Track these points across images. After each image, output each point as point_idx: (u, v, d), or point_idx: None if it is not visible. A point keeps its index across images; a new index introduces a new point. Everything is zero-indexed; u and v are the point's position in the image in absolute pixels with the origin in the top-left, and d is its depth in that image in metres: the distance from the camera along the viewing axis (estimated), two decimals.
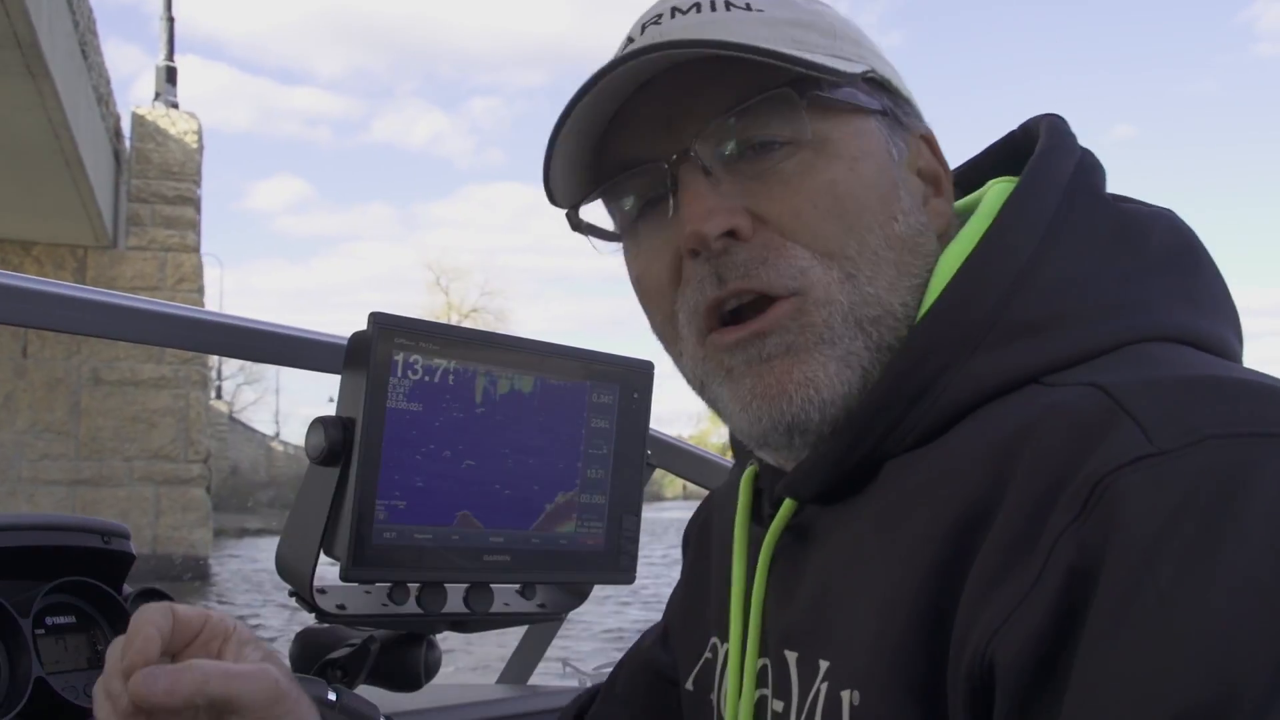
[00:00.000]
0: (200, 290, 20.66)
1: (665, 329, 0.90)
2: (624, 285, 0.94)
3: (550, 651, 1.94)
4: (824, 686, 0.79)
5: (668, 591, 1.25)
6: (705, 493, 1.39)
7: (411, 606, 1.25)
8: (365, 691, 1.27)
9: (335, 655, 1.28)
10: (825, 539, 0.85)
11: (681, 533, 1.25)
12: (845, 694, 0.77)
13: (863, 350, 0.82)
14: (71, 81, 15.24)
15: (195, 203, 20.81)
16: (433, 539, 1.19)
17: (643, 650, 1.22)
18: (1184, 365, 0.74)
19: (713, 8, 0.86)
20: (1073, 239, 0.82)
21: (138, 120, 20.63)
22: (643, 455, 1.36)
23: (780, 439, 0.85)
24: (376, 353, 1.14)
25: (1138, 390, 0.70)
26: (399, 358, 1.16)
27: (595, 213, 0.94)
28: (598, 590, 1.50)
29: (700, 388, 0.90)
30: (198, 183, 20.93)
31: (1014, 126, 0.96)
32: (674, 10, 0.87)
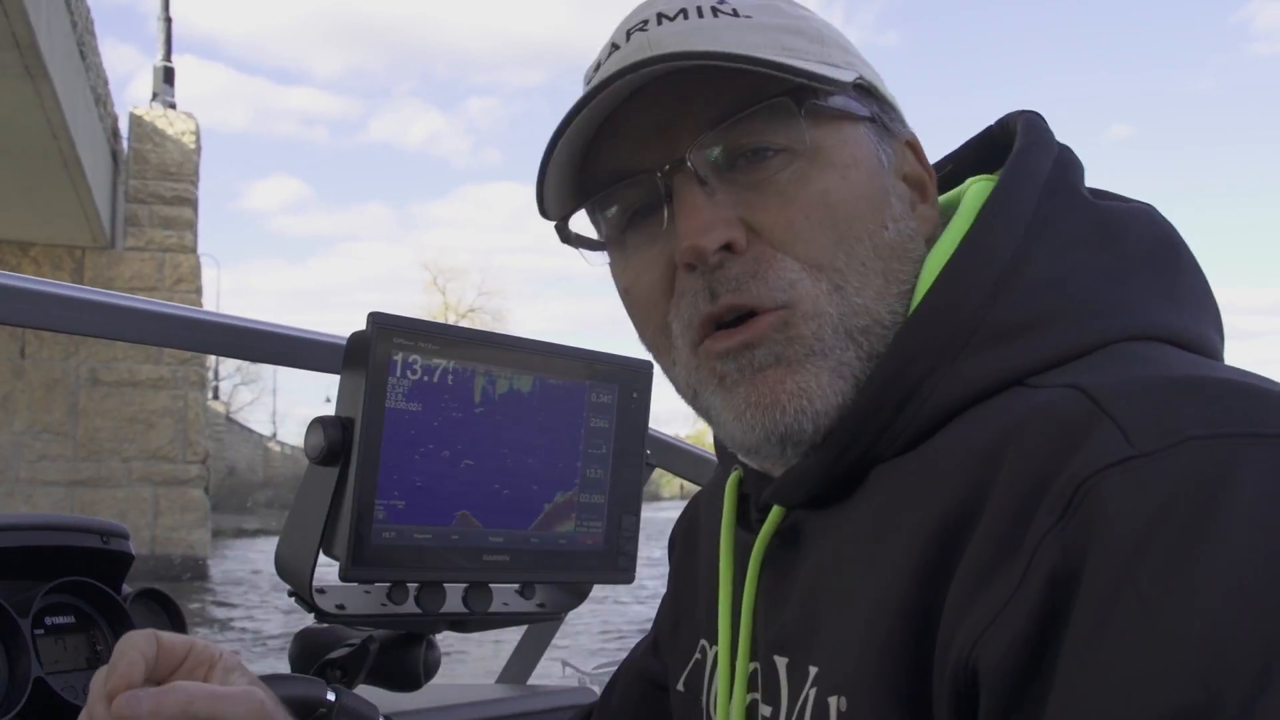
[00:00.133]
0: (198, 291, 20.67)
1: (657, 339, 0.89)
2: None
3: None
4: (812, 692, 0.79)
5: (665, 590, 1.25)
6: None
7: (411, 606, 1.25)
8: (364, 691, 1.27)
9: (334, 655, 1.28)
10: (814, 544, 0.85)
11: None
12: (833, 700, 0.77)
13: (854, 360, 0.82)
14: (70, 82, 15.24)
15: (193, 203, 20.81)
16: (432, 539, 1.19)
17: (635, 661, 1.22)
18: (1165, 365, 0.74)
19: (700, 14, 0.85)
20: (1052, 239, 0.82)
21: (135, 121, 20.63)
22: (642, 455, 1.37)
23: (773, 449, 0.85)
24: (375, 352, 1.14)
25: (1118, 391, 0.69)
26: (398, 357, 1.16)
27: (579, 222, 0.92)
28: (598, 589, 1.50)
29: (692, 396, 0.89)
30: (195, 183, 20.94)
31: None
32: (660, 16, 0.86)
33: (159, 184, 20.47)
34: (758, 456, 0.89)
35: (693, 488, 1.70)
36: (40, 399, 19.66)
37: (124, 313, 1.28)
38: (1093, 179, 0.88)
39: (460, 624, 1.32)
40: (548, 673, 1.98)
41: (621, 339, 0.95)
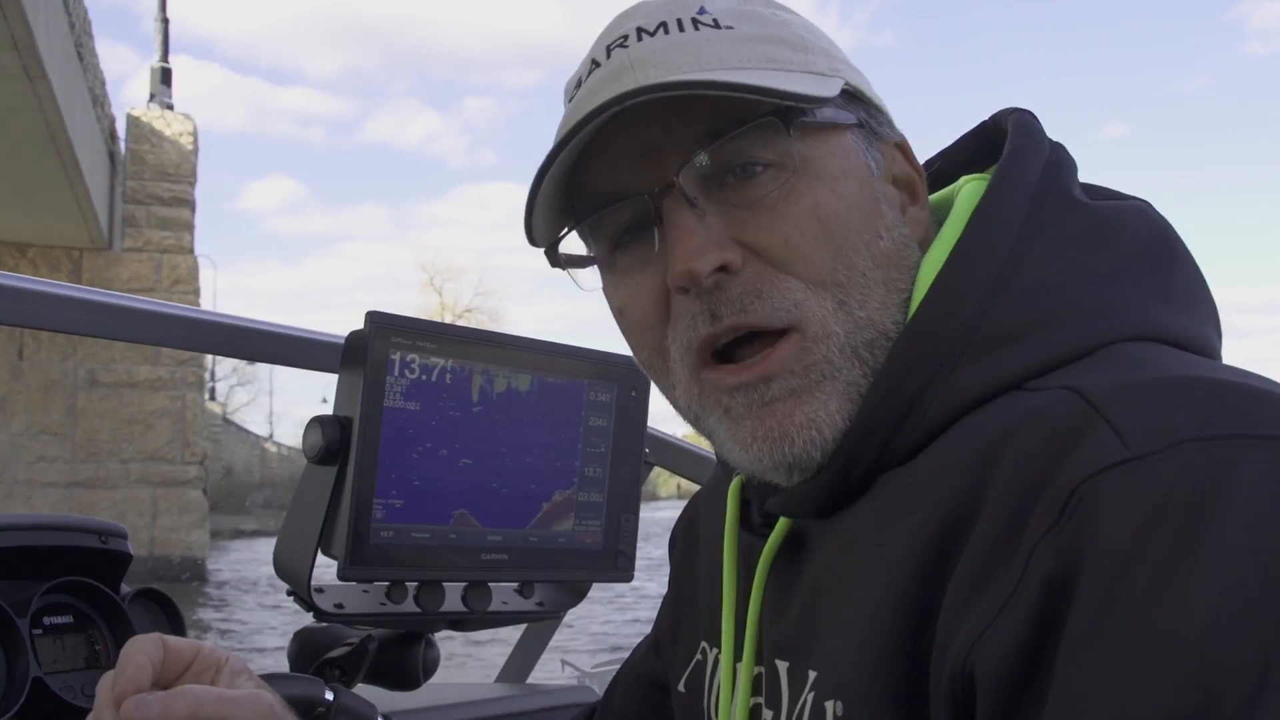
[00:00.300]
0: (196, 291, 20.67)
1: (654, 362, 0.88)
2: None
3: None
4: (810, 697, 0.79)
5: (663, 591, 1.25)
6: None
7: (409, 605, 1.25)
8: (364, 690, 1.27)
9: (333, 654, 1.28)
10: (816, 550, 0.85)
11: None
12: (830, 704, 0.77)
13: (860, 379, 0.81)
14: (68, 83, 15.23)
15: (191, 204, 20.82)
16: (430, 538, 1.19)
17: (635, 663, 1.22)
18: (1161, 366, 0.73)
19: (680, 28, 0.83)
20: (1046, 241, 0.81)
21: (133, 122, 20.62)
22: (640, 453, 1.37)
23: (780, 476, 0.84)
24: (373, 352, 1.14)
25: (1114, 393, 0.69)
26: (396, 356, 1.16)
27: (568, 241, 0.91)
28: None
29: (695, 420, 0.88)
30: (193, 184, 20.94)
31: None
32: (640, 31, 0.84)
33: (157, 185, 20.47)
34: (762, 477, 0.88)
35: (690, 487, 1.70)
36: (38, 400, 19.66)
37: (123, 312, 1.28)
38: (1087, 178, 0.88)
39: (459, 623, 1.32)
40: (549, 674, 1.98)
41: (620, 339, 0.94)
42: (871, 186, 0.85)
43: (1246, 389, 0.69)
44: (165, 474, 20.25)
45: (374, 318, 1.15)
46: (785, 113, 0.80)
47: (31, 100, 14.21)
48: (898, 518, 0.76)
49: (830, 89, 0.83)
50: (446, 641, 1.45)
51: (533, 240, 0.89)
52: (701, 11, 0.84)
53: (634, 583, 1.42)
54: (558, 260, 0.91)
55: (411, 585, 1.25)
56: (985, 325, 0.79)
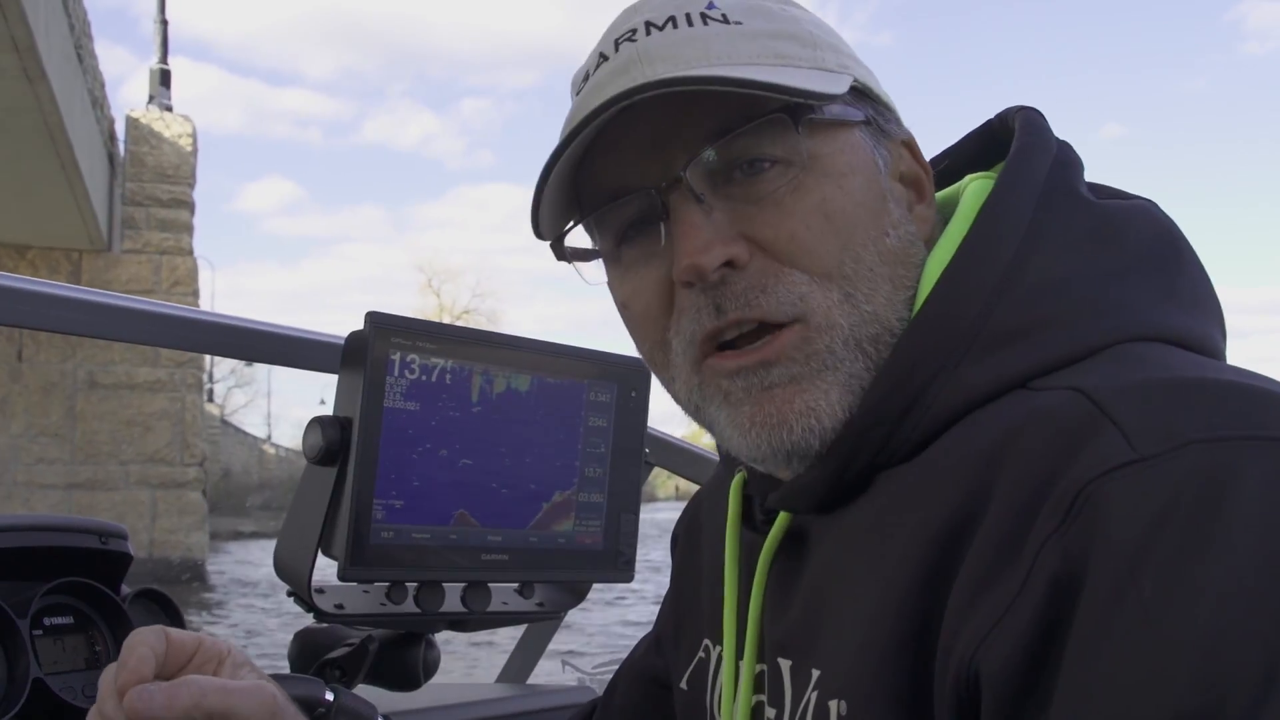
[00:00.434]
0: (195, 293, 20.66)
1: (655, 355, 0.89)
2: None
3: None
4: (814, 695, 0.79)
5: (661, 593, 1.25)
6: None
7: (410, 606, 1.25)
8: (364, 691, 1.27)
9: (334, 655, 1.28)
10: (818, 547, 0.85)
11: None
12: (833, 703, 0.77)
13: (863, 372, 0.82)
14: (67, 85, 15.23)
15: (190, 206, 20.80)
16: (430, 538, 1.19)
17: (636, 660, 1.22)
18: (1167, 366, 0.73)
19: (689, 22, 0.83)
20: (1052, 241, 0.81)
21: (132, 123, 20.61)
22: (641, 453, 1.37)
23: (778, 463, 0.84)
24: (373, 352, 1.14)
25: (1120, 394, 0.69)
26: (396, 357, 1.16)
27: (575, 235, 0.91)
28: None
29: (695, 411, 0.88)
30: (192, 186, 20.92)
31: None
32: (648, 25, 0.84)
33: (156, 187, 20.46)
34: (762, 466, 0.88)
35: (688, 488, 1.70)
36: (38, 402, 19.65)
37: (122, 313, 1.28)
38: (1086, 178, 0.88)
39: (459, 623, 1.32)
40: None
41: (617, 340, 0.94)
42: (879, 183, 0.85)
43: (1252, 390, 0.69)
44: (165, 476, 20.23)
45: (374, 318, 1.15)
46: (794, 109, 0.81)
47: (31, 102, 14.21)
48: (901, 515, 0.76)
49: (839, 86, 0.83)
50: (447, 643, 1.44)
51: (539, 234, 0.90)
52: (710, 6, 0.84)
53: (633, 584, 1.42)
54: (563, 254, 0.91)
55: (411, 586, 1.25)
56: (990, 323, 0.79)
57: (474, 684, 1.89)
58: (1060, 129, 0.89)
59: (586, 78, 0.87)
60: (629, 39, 0.85)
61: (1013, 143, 0.87)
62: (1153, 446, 0.64)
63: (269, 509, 33.65)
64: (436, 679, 1.41)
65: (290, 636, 1.32)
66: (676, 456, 1.81)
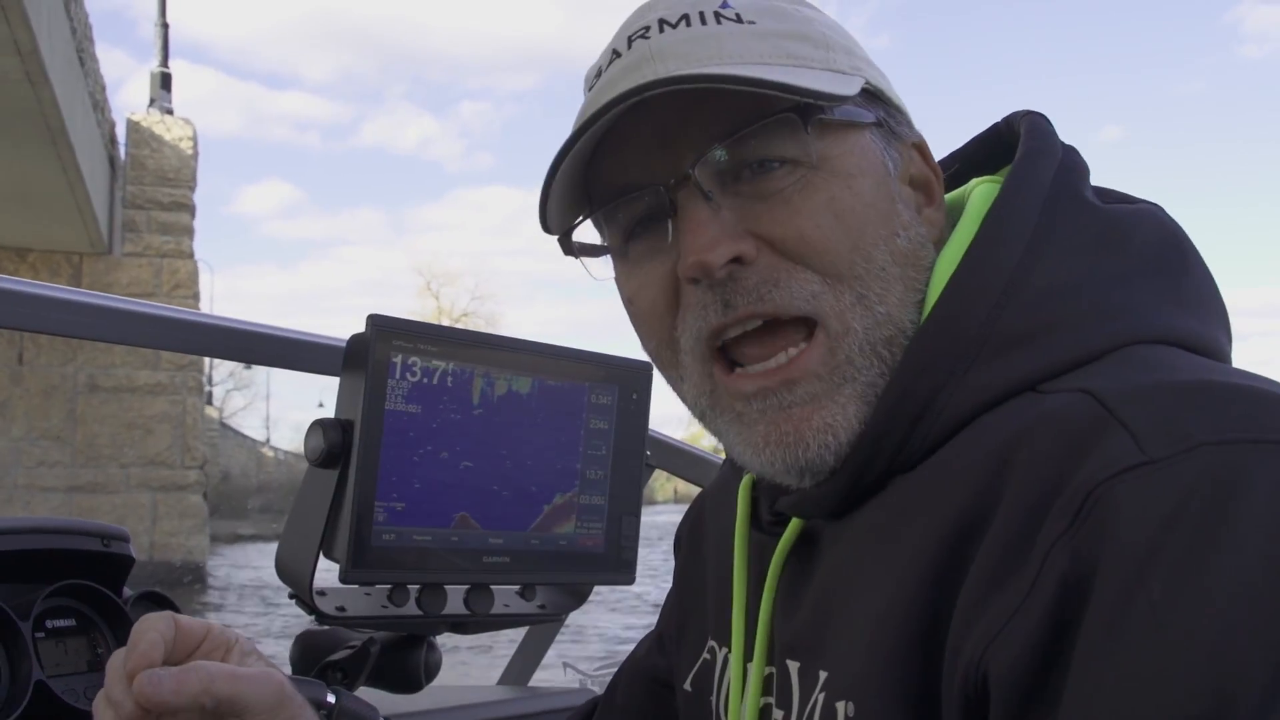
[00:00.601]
0: (196, 296, 20.67)
1: (662, 353, 0.89)
2: (615, 289, 0.93)
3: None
4: (821, 697, 0.80)
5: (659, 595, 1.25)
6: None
7: (411, 608, 1.26)
8: (365, 693, 1.27)
9: (335, 657, 1.28)
10: (828, 550, 0.85)
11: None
12: (841, 705, 0.77)
13: (878, 379, 0.82)
14: (69, 88, 15.24)
15: (190, 209, 20.81)
16: (432, 540, 1.19)
17: (638, 659, 1.22)
18: (1174, 369, 0.74)
19: (703, 20, 0.83)
20: (1058, 244, 0.81)
21: (133, 127, 20.62)
22: (642, 456, 1.37)
23: (790, 479, 0.84)
24: (375, 354, 1.14)
25: (1128, 396, 0.69)
26: (397, 359, 1.16)
27: (582, 230, 0.92)
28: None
29: (701, 415, 0.89)
30: (193, 188, 20.93)
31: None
32: (662, 23, 0.84)
33: (157, 190, 20.46)
34: (772, 479, 0.88)
35: (687, 491, 1.70)
36: (38, 405, 19.65)
37: (123, 316, 1.28)
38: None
39: (461, 625, 1.33)
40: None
41: (614, 341, 0.95)
42: (888, 185, 0.85)
43: (1261, 393, 0.69)
44: (165, 478, 20.23)
45: (375, 321, 1.15)
46: (804, 109, 0.81)
47: (34, 105, 14.22)
48: (911, 518, 0.76)
49: (850, 87, 0.83)
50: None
51: (547, 228, 0.90)
52: (724, 5, 0.84)
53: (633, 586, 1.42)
54: (571, 248, 0.91)
55: (413, 588, 1.25)
56: (998, 327, 0.79)
57: (475, 686, 1.89)
58: (1059, 131, 0.90)
59: (600, 74, 0.88)
60: (642, 36, 0.85)
61: (1019, 147, 0.88)
62: (1162, 449, 0.65)
63: (268, 512, 33.60)
64: (437, 681, 1.41)
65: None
66: (677, 459, 1.81)
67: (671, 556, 1.19)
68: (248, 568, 23.94)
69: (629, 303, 0.90)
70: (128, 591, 1.40)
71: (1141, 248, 0.83)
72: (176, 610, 1.42)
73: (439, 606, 1.26)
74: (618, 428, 1.33)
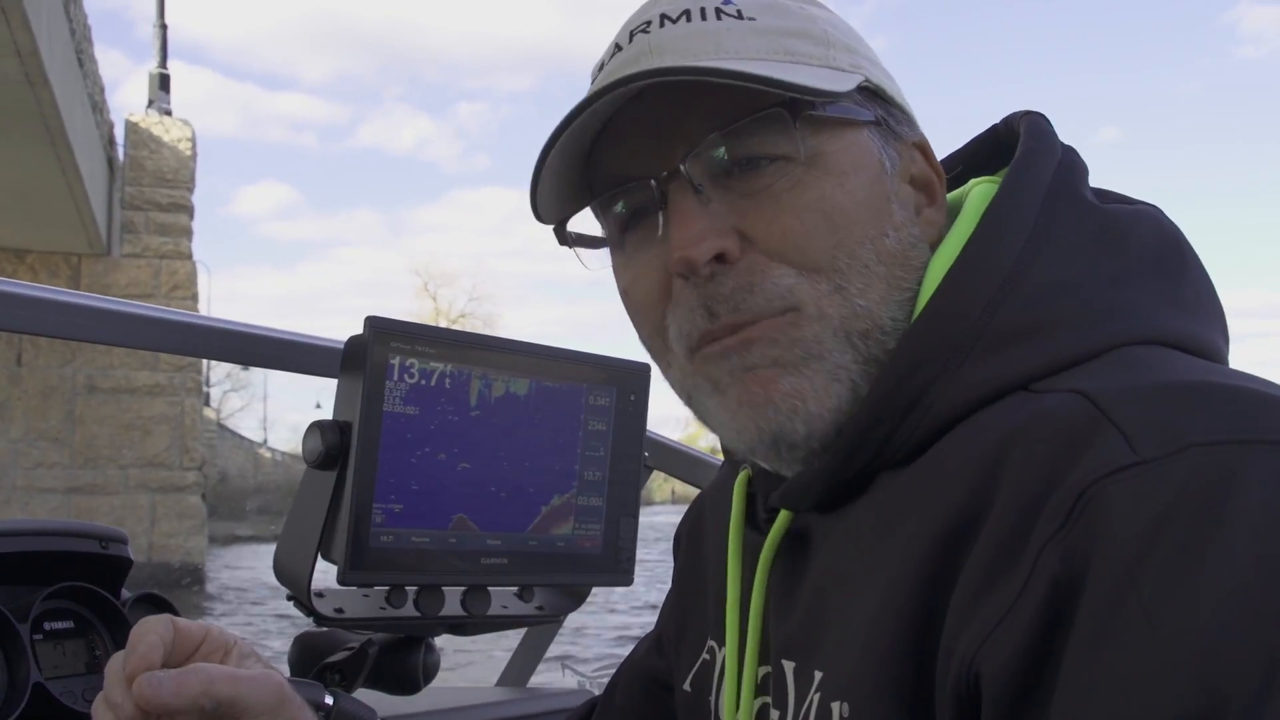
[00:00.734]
0: (195, 297, 20.63)
1: (654, 341, 0.90)
2: (612, 290, 0.94)
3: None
4: (816, 697, 0.80)
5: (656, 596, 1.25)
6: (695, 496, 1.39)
7: (409, 610, 1.26)
8: (364, 695, 1.27)
9: (333, 659, 1.28)
10: (821, 548, 0.85)
11: (673, 536, 1.24)
12: (835, 705, 0.77)
13: (851, 364, 0.82)
14: (69, 89, 15.22)
15: (189, 210, 20.79)
16: (430, 542, 1.19)
17: (637, 660, 1.22)
18: (1169, 370, 0.74)
19: (703, 16, 0.84)
20: (1056, 243, 0.81)
21: (131, 128, 20.59)
22: (640, 457, 1.37)
23: (767, 452, 0.85)
24: (373, 356, 1.14)
25: (1122, 397, 0.69)
26: (395, 361, 1.16)
27: (582, 220, 0.93)
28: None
29: (688, 399, 0.89)
30: (191, 190, 20.91)
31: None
32: (663, 18, 0.85)
33: (155, 191, 20.44)
34: (756, 459, 0.89)
35: (684, 492, 1.70)
36: (37, 406, 19.63)
37: (122, 318, 1.28)
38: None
39: (459, 627, 1.33)
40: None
41: (612, 343, 0.96)
42: (883, 184, 0.85)
43: (1254, 394, 0.69)
44: (164, 480, 20.21)
45: (373, 323, 1.15)
46: (793, 105, 0.81)
47: (33, 106, 14.20)
48: (904, 516, 0.76)
49: (846, 84, 0.83)
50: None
51: (539, 217, 0.91)
52: (726, 2, 0.85)
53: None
54: (566, 238, 0.92)
55: (411, 589, 1.26)
56: (993, 324, 0.79)
57: (474, 688, 1.89)
58: (1056, 132, 0.90)
59: (602, 67, 0.89)
60: (643, 30, 0.86)
61: (1018, 147, 0.88)
62: (1154, 449, 0.65)
63: (266, 513, 33.56)
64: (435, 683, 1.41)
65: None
66: (676, 460, 1.81)
67: (666, 556, 1.20)
68: (241, 568, 23.94)
69: (624, 294, 0.91)
70: (126, 593, 1.40)
71: (1139, 248, 0.83)
72: (175, 613, 1.42)
73: (437, 608, 1.26)
74: (616, 429, 1.33)
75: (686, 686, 1.04)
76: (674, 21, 0.85)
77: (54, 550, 1.32)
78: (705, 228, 0.81)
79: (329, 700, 1.04)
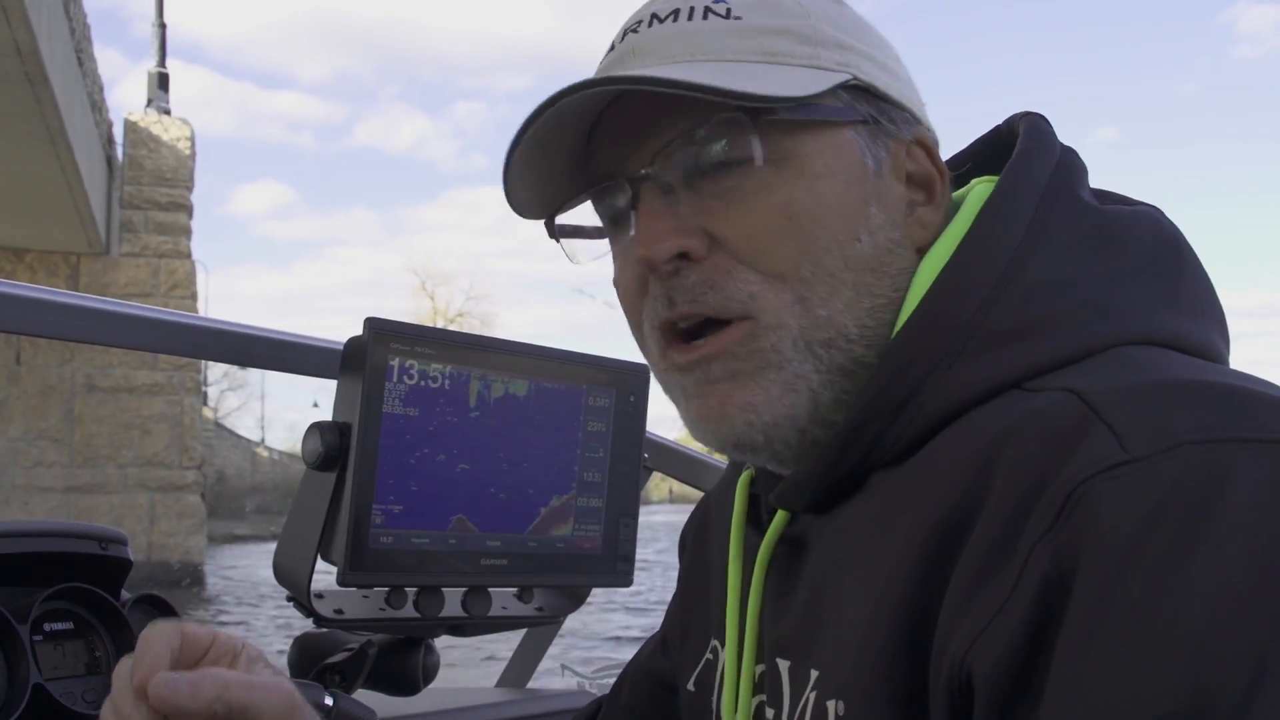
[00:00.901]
0: (194, 296, 20.64)
1: (637, 334, 0.91)
2: (610, 290, 0.95)
3: None
4: (812, 695, 0.80)
5: (654, 595, 1.25)
6: (695, 495, 1.39)
7: (409, 610, 1.26)
8: (363, 696, 1.27)
9: (333, 660, 1.28)
10: (816, 548, 0.86)
11: (670, 535, 1.25)
12: (831, 704, 0.77)
13: (811, 374, 0.82)
14: (68, 89, 15.22)
15: (188, 209, 20.79)
16: (429, 543, 1.19)
17: (642, 660, 1.22)
18: (1163, 369, 0.73)
19: (690, 16, 0.85)
20: (1051, 243, 0.81)
21: (130, 127, 20.59)
22: (639, 458, 1.37)
23: (734, 454, 0.87)
24: (372, 358, 1.14)
25: (1113, 396, 0.69)
26: (394, 362, 1.16)
27: (584, 213, 0.94)
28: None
29: (667, 391, 0.92)
30: (190, 189, 20.91)
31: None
32: (654, 18, 0.86)
33: (154, 190, 20.44)
34: (729, 455, 0.91)
35: (682, 491, 1.70)
36: (36, 405, 19.62)
37: (120, 319, 1.28)
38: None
39: (459, 628, 1.33)
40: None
41: (611, 343, 0.98)
42: (863, 186, 0.84)
43: (1246, 392, 0.69)
44: (163, 479, 20.21)
45: (373, 324, 1.15)
46: (754, 109, 0.81)
47: (33, 105, 14.20)
48: (898, 515, 0.77)
49: (820, 85, 0.82)
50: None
51: (520, 209, 0.93)
52: (717, 1, 0.85)
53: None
54: (555, 232, 0.94)
55: (411, 590, 1.26)
56: (986, 323, 0.79)
57: (473, 689, 1.89)
58: (1056, 133, 0.90)
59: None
60: (634, 30, 0.87)
61: (1016, 147, 0.87)
62: (1145, 447, 0.65)
63: (264, 512, 33.56)
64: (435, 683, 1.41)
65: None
66: (675, 460, 1.81)
67: (663, 556, 1.20)
68: (237, 567, 23.94)
69: (615, 285, 0.93)
70: (126, 594, 1.40)
71: (1137, 248, 0.82)
72: (175, 614, 1.42)
73: (436, 609, 1.27)
74: (615, 430, 1.33)
75: (691, 686, 1.04)
76: (661, 21, 0.86)
77: (54, 551, 1.32)
78: (668, 227, 0.83)
79: (329, 701, 1.04)
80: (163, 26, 21.97)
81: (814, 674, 0.81)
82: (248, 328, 1.38)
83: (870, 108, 0.86)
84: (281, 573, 1.21)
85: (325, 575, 1.17)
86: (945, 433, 0.77)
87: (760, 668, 0.90)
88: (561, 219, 0.94)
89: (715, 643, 1.02)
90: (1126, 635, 0.60)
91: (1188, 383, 0.70)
